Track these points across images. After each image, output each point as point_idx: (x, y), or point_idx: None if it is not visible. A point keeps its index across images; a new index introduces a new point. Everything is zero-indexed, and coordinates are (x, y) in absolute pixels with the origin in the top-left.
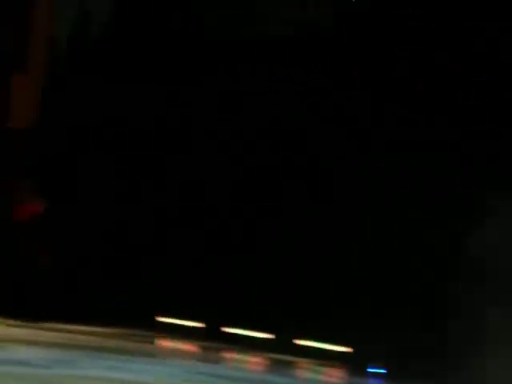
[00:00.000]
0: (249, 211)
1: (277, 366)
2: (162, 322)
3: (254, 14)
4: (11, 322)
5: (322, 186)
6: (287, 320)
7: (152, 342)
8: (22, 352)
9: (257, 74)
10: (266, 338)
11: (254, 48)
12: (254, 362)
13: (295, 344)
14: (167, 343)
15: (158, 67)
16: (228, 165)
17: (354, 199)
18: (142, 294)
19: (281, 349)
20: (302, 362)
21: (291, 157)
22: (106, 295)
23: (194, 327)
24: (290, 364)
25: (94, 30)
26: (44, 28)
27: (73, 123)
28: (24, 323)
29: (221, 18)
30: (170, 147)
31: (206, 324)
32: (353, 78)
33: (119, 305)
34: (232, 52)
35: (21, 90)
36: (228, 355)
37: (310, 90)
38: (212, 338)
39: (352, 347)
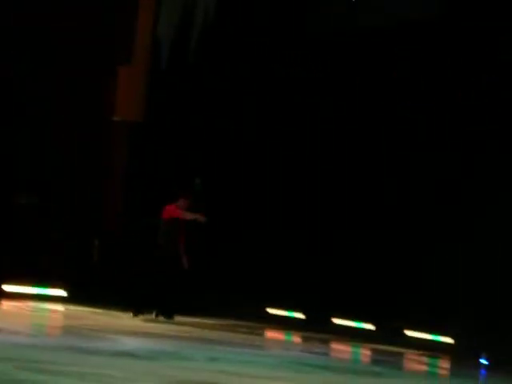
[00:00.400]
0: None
1: (383, 357)
2: (270, 314)
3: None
4: (121, 314)
5: None
6: (393, 311)
7: (260, 334)
8: (131, 343)
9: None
10: (371, 329)
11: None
12: (359, 353)
13: (401, 335)
14: (274, 334)
15: (256, 67)
16: None
17: None
18: (252, 287)
19: (387, 340)
20: (408, 352)
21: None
22: (221, 289)
23: (301, 318)
24: (396, 355)
25: (195, 32)
26: (148, 23)
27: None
28: (134, 315)
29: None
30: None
31: (312, 315)
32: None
33: (231, 297)
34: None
35: (126, 81)
36: (334, 346)
37: None
38: (318, 329)
39: (455, 339)
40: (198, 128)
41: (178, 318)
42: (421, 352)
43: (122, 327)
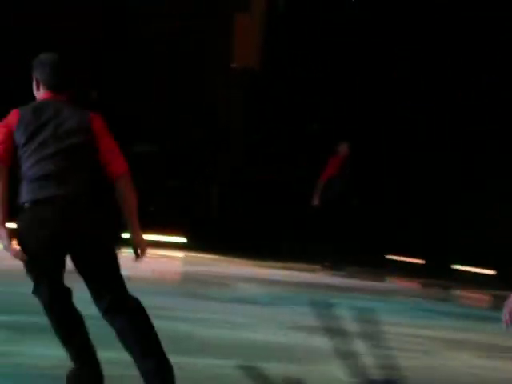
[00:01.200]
0: None
1: (501, 303)
2: (390, 260)
3: None
4: (237, 260)
5: None
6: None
7: (379, 280)
8: (247, 290)
9: None
10: (492, 275)
11: None
12: (478, 299)
13: None
14: (394, 280)
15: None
16: None
17: None
18: (372, 234)
19: (509, 286)
20: None
21: None
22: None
23: (418, 264)
24: None
25: None
26: None
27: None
28: (248, 261)
29: None
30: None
31: (432, 261)
32: None
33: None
34: None
35: (244, 28)
36: (452, 292)
37: None
38: (439, 276)
39: None
40: (314, 76)
41: (294, 265)
42: None
43: (241, 274)
